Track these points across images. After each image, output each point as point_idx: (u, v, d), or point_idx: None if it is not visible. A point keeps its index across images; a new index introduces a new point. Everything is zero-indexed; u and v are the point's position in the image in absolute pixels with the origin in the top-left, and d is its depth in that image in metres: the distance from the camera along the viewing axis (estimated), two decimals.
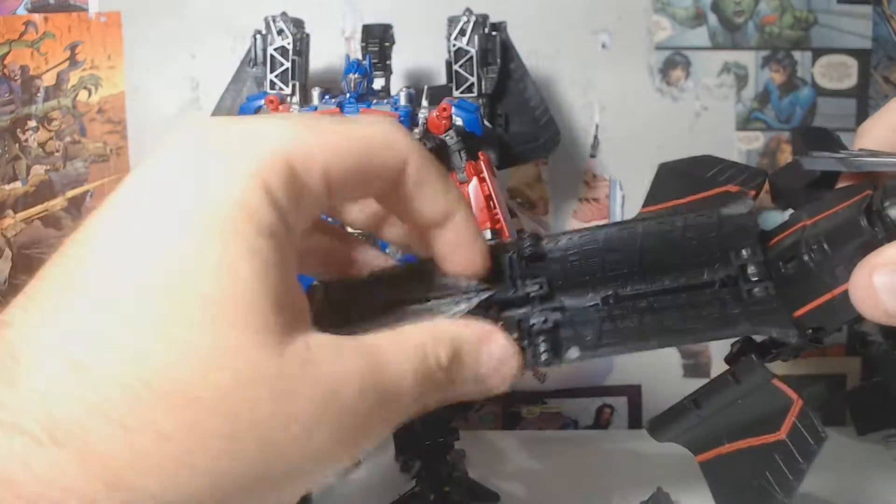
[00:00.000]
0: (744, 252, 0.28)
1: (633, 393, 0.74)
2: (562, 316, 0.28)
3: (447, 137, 0.50)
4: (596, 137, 0.71)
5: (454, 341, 0.24)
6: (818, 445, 0.27)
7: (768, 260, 0.28)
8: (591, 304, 0.28)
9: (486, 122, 0.53)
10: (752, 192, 0.29)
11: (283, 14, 0.55)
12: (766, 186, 0.31)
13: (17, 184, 0.70)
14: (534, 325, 0.27)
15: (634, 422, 0.74)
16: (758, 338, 0.30)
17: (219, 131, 0.21)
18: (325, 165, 0.22)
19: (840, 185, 0.29)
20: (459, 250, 0.26)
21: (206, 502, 0.18)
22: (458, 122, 0.50)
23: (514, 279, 0.28)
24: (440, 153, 0.51)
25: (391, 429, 0.22)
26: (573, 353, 0.27)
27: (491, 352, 0.25)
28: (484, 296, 0.27)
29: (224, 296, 0.18)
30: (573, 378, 0.74)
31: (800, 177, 0.30)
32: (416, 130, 0.50)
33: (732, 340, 0.31)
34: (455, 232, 0.26)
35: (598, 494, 0.54)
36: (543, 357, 0.27)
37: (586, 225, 0.72)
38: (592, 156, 0.71)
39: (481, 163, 0.51)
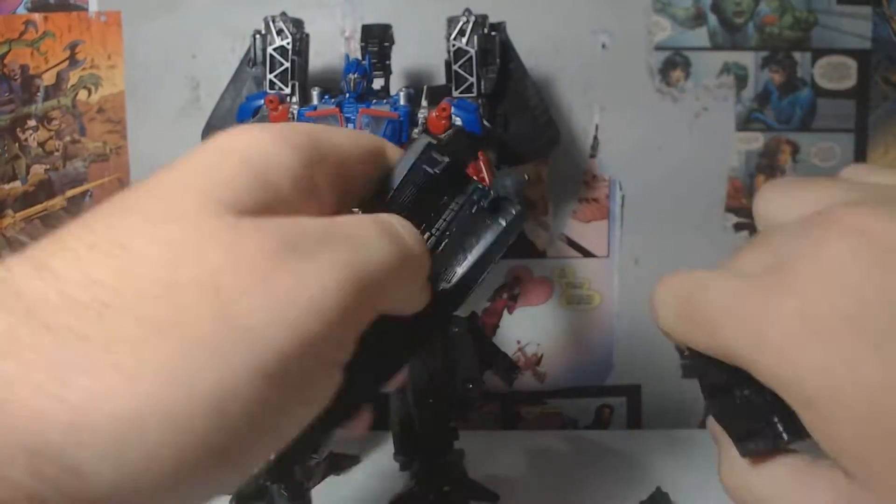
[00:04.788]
0: None
1: (633, 393, 0.74)
2: None
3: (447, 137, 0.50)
4: (596, 137, 0.71)
5: None
6: None
7: None
8: None
9: (486, 122, 0.53)
10: None
11: (283, 14, 0.55)
12: None
13: (17, 183, 0.70)
14: None
15: (634, 422, 0.74)
16: None
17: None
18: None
19: None
20: None
21: None
22: (458, 121, 0.50)
23: None
24: None
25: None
26: None
27: None
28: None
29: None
30: (573, 378, 0.74)
31: None
32: (416, 130, 0.50)
33: None
34: None
35: (598, 494, 0.54)
36: None
37: (585, 224, 0.72)
38: (592, 156, 0.71)
39: (481, 163, 0.51)
